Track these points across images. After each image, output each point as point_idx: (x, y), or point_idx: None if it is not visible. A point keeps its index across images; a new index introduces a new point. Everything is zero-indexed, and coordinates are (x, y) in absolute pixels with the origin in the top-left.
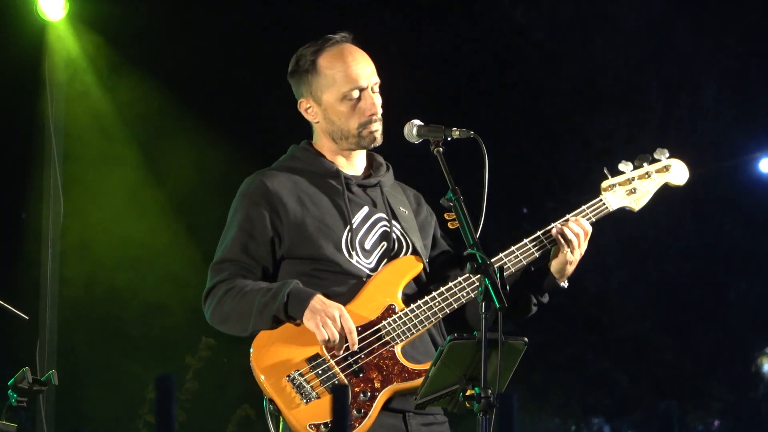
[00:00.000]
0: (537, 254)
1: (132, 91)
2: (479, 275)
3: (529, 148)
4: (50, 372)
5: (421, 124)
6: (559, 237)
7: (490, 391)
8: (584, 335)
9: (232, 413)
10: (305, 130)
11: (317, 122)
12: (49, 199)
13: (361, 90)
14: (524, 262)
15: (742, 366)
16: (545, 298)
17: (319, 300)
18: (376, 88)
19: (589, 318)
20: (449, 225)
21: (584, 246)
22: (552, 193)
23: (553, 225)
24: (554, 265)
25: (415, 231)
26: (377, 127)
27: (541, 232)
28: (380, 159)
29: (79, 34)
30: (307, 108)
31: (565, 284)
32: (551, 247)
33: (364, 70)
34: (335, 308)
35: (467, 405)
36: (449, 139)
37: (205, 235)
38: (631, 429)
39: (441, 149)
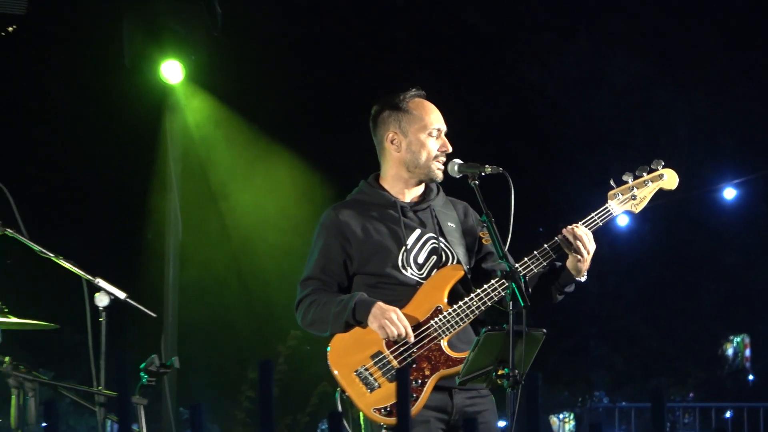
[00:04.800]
0: (551, 258)
1: (233, 133)
2: (507, 280)
3: (543, 180)
4: (173, 358)
5: (461, 162)
6: (563, 244)
7: (516, 371)
8: (587, 327)
9: (314, 389)
10: (370, 167)
11: (398, 152)
12: (170, 222)
13: (439, 131)
14: (544, 264)
15: (710, 350)
16: (569, 288)
17: (379, 306)
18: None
19: (590, 314)
20: (483, 241)
21: (591, 246)
22: (561, 215)
23: (557, 236)
24: (568, 264)
25: (459, 243)
26: (442, 163)
27: (552, 241)
28: (432, 185)
29: (193, 94)
30: (393, 139)
31: (582, 279)
32: (555, 254)
33: (440, 117)
34: (392, 311)
35: (499, 382)
36: (483, 174)
37: (296, 252)
38: (625, 400)
39: (477, 182)
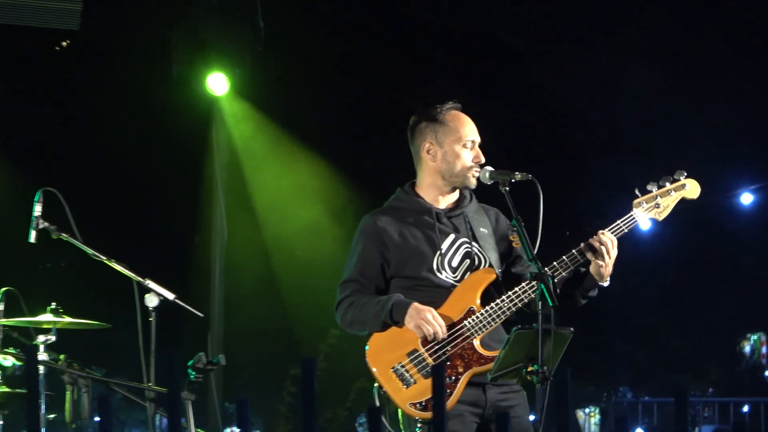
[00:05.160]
0: (578, 262)
1: (274, 143)
2: (537, 281)
3: (569, 186)
4: (219, 355)
5: (492, 169)
6: (589, 250)
7: (545, 368)
8: (611, 326)
9: (352, 385)
10: (405, 175)
11: (434, 162)
12: (216, 227)
13: (473, 142)
14: (572, 268)
15: (728, 348)
16: (593, 293)
17: (415, 306)
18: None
19: (615, 313)
20: (513, 244)
21: (614, 252)
22: (586, 219)
23: (584, 242)
24: (592, 269)
25: (491, 247)
26: (477, 172)
27: (579, 246)
28: (465, 192)
29: (237, 105)
30: (429, 149)
31: (605, 283)
32: (582, 259)
33: (474, 129)
34: (428, 311)
35: (528, 378)
36: (513, 181)
37: (336, 257)
38: (648, 394)
39: (507, 188)
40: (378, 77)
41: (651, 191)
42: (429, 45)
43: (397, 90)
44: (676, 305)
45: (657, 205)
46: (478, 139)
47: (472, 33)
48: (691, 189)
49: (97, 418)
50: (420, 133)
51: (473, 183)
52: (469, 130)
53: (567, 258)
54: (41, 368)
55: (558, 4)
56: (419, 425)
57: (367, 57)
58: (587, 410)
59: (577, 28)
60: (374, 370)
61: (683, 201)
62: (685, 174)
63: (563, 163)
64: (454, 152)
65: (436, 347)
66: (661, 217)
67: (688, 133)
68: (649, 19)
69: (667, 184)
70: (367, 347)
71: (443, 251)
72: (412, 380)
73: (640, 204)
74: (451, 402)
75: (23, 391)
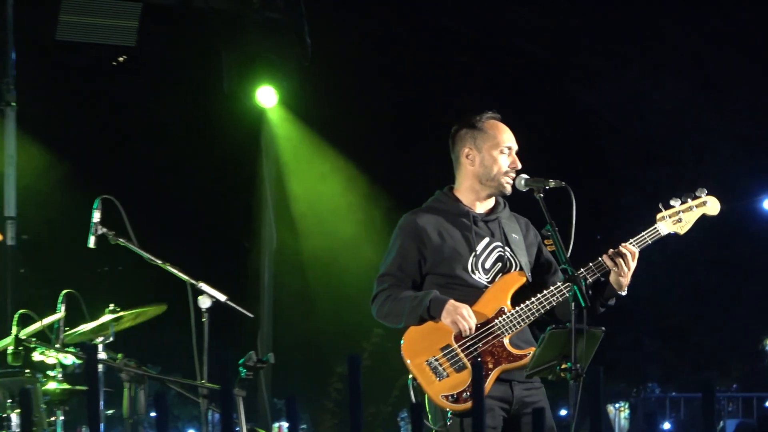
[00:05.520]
0: (604, 269)
1: (320, 155)
2: (569, 283)
3: (600, 193)
4: (268, 354)
5: (528, 177)
6: (609, 261)
7: (578, 365)
8: (641, 325)
9: (395, 382)
10: (442, 180)
11: (473, 166)
12: (266, 233)
13: (509, 149)
14: (597, 274)
15: (752, 345)
16: (611, 302)
17: (452, 303)
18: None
19: (644, 313)
20: (547, 248)
21: (633, 264)
22: (617, 224)
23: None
24: (611, 279)
25: (522, 253)
26: (512, 177)
27: (605, 253)
28: (500, 199)
29: (285, 117)
30: (468, 154)
31: (623, 293)
32: (606, 268)
33: (511, 137)
34: (464, 308)
35: (562, 375)
36: (547, 188)
37: (376, 261)
38: (675, 390)
39: (542, 195)
40: (417, 90)
41: (674, 206)
42: (467, 60)
43: (435, 103)
44: (702, 305)
45: (679, 220)
46: (515, 146)
47: (509, 48)
48: (712, 206)
49: (153, 413)
50: (460, 139)
51: (508, 189)
52: (506, 137)
53: (594, 265)
54: (100, 366)
55: (590, 22)
56: (449, 416)
57: (407, 71)
58: (617, 405)
59: (607, 43)
60: (408, 362)
61: (704, 216)
62: (706, 191)
63: (595, 171)
64: (492, 157)
65: (468, 344)
66: (682, 231)
67: (713, 142)
68: (676, 35)
69: (689, 200)
70: (402, 341)
71: (478, 253)
72: (444, 374)
73: (663, 218)
74: None
75: (83, 387)
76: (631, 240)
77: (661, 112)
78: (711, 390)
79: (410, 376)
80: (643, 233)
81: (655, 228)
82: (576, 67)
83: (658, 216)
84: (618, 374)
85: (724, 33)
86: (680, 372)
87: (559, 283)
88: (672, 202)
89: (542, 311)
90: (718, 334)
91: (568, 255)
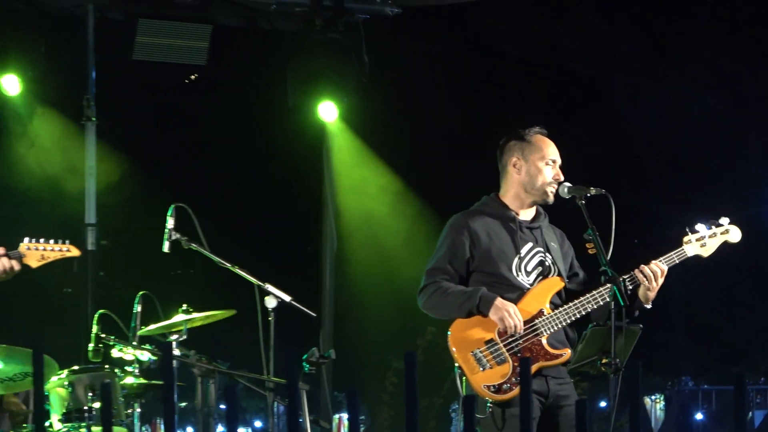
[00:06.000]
0: (637, 284)
1: (376, 169)
2: (610, 284)
3: (637, 201)
4: (330, 350)
5: (570, 185)
6: (640, 275)
7: (617, 360)
8: (675, 323)
9: (447, 376)
10: (485, 188)
11: (519, 175)
12: (327, 236)
13: (554, 161)
14: (630, 287)
15: None
16: (636, 314)
17: (500, 301)
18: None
19: (678, 312)
20: (589, 251)
21: (661, 281)
22: (652, 229)
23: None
24: (639, 293)
25: (560, 260)
26: (554, 189)
27: (637, 268)
28: (541, 209)
29: (344, 131)
30: (515, 164)
31: (648, 306)
32: (638, 281)
33: (556, 151)
34: (511, 306)
35: (602, 369)
36: (588, 195)
37: (421, 271)
38: (707, 383)
39: (583, 202)
40: (469, 108)
41: (699, 231)
42: (513, 76)
43: (488, 121)
44: (732, 304)
45: (704, 245)
46: (559, 160)
47: (551, 66)
48: (733, 234)
49: (222, 406)
50: (509, 150)
51: (551, 198)
52: (551, 150)
53: (627, 277)
54: (174, 362)
55: (631, 40)
56: (489, 405)
57: (460, 89)
58: (653, 397)
59: (643, 60)
60: (454, 350)
61: (726, 243)
62: (728, 221)
63: (632, 179)
64: (537, 168)
65: (510, 340)
66: (705, 255)
67: (742, 153)
68: (707, 51)
69: (713, 227)
70: (449, 332)
71: (522, 255)
72: (487, 365)
73: (690, 241)
74: (518, 390)
75: (158, 382)
76: (661, 258)
77: (692, 123)
78: (742, 382)
79: (456, 364)
80: (671, 253)
81: (682, 249)
82: (615, 84)
83: (685, 239)
84: (654, 369)
85: (751, 50)
86: (711, 367)
87: (600, 288)
88: (697, 227)
89: (578, 315)
90: (746, 331)
91: (609, 256)
